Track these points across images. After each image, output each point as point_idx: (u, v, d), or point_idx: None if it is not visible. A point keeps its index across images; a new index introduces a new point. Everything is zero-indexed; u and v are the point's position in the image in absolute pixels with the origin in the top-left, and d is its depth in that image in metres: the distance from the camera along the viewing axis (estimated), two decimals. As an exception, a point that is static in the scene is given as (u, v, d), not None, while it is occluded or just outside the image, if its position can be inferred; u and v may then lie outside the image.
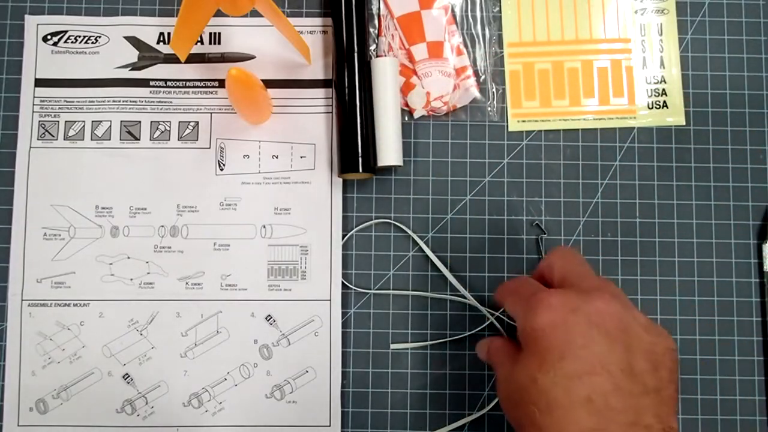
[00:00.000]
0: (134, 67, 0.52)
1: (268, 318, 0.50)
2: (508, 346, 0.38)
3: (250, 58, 0.53)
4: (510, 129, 0.52)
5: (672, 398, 0.32)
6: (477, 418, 0.49)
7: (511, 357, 0.36)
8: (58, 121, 0.52)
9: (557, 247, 0.41)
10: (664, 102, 0.53)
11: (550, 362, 0.32)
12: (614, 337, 0.32)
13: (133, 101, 0.52)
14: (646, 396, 0.31)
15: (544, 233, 0.51)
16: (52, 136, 0.51)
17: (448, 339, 0.50)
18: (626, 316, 0.33)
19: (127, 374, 0.49)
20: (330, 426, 0.49)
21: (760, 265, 0.51)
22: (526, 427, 0.33)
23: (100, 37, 0.53)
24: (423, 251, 0.51)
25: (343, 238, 0.51)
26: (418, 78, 0.52)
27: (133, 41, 0.53)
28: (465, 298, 0.50)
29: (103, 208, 0.51)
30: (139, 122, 0.52)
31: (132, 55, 0.52)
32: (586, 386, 0.30)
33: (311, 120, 0.52)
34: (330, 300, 0.50)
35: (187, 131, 0.52)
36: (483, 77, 0.53)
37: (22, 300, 0.50)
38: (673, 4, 0.54)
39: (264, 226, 0.51)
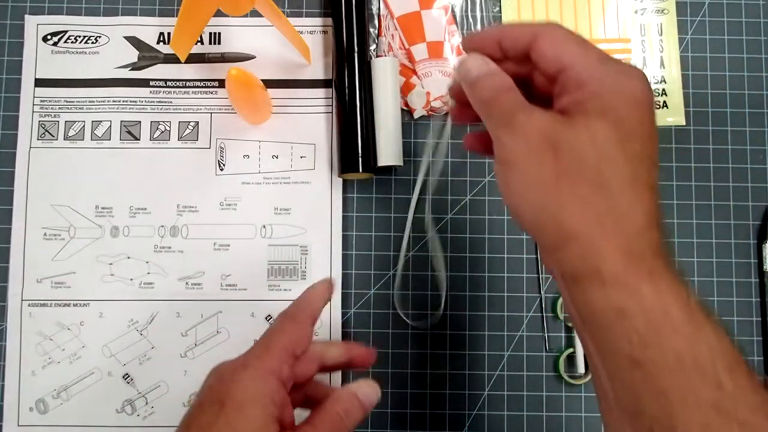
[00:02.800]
0: (134, 67, 0.52)
1: (268, 318, 0.50)
2: (527, 111, 0.30)
3: (250, 58, 0.53)
4: (510, 129, 0.52)
5: None
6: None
7: (555, 116, 0.30)
8: (58, 121, 0.52)
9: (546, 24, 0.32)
10: (664, 102, 0.53)
11: (644, 138, 0.29)
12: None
13: (133, 101, 0.52)
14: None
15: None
16: (52, 136, 0.51)
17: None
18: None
19: (127, 374, 0.49)
20: (330, 426, 0.49)
21: (760, 265, 0.51)
22: (587, 197, 0.28)
23: (100, 37, 0.53)
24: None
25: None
26: (418, 78, 0.52)
27: (133, 41, 0.53)
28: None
29: (103, 208, 0.51)
30: (139, 122, 0.52)
31: (132, 55, 0.52)
32: (654, 174, 0.29)
33: (311, 120, 0.52)
34: (330, 300, 0.50)
35: (187, 131, 0.52)
36: (483, 77, 0.53)
37: (22, 300, 0.50)
38: (673, 4, 0.54)
39: (264, 226, 0.51)
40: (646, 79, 0.30)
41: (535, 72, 0.32)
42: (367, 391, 0.36)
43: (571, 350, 0.49)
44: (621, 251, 0.28)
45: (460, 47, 0.36)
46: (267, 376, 0.34)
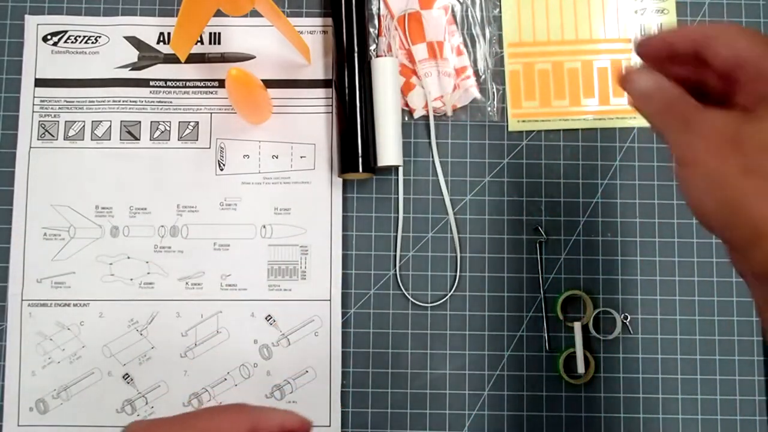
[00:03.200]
0: (134, 67, 0.52)
1: (268, 318, 0.50)
2: (708, 111, 0.30)
3: (250, 58, 0.53)
4: (510, 129, 0.52)
5: None
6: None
7: (740, 114, 0.29)
8: (58, 121, 0.52)
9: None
10: (664, 102, 0.53)
11: None
12: None
13: (133, 101, 0.52)
14: None
15: (544, 238, 0.51)
16: (52, 136, 0.51)
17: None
18: None
19: (127, 374, 0.49)
20: (330, 426, 0.49)
21: (760, 265, 0.51)
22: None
23: (100, 37, 0.53)
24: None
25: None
26: (418, 78, 0.52)
27: (133, 41, 0.53)
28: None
29: (103, 208, 0.51)
30: (139, 122, 0.52)
31: (132, 55, 0.52)
32: None
33: (311, 120, 0.52)
34: (330, 300, 0.50)
35: (187, 131, 0.52)
36: (483, 77, 0.53)
37: (22, 300, 0.50)
38: (673, 4, 0.54)
39: (264, 226, 0.51)
40: None
41: (708, 75, 0.31)
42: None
43: (571, 350, 0.49)
44: None
45: (633, 51, 0.35)
46: None
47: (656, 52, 0.32)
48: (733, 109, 0.30)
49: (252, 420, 0.37)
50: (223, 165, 0.51)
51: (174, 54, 0.51)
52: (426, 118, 0.52)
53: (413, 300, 0.50)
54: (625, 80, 0.32)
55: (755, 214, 0.28)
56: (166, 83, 0.52)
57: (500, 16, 0.54)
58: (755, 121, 0.28)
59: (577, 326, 0.49)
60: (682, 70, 0.32)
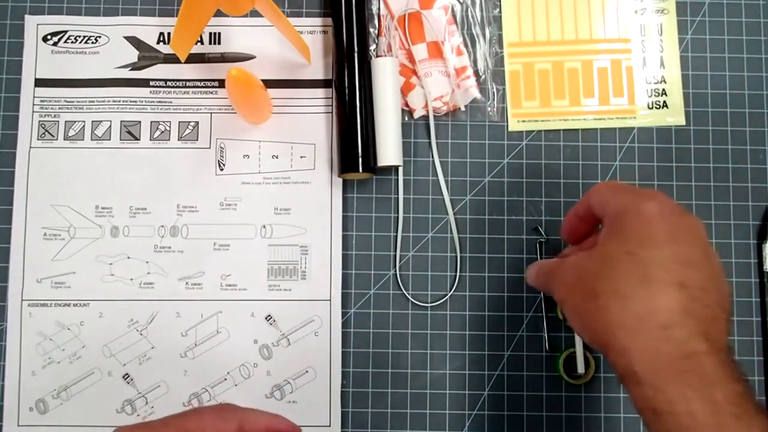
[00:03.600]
0: (134, 67, 0.52)
1: (268, 318, 0.50)
2: (563, 260, 0.38)
3: (250, 58, 0.53)
4: (510, 129, 0.52)
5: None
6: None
7: (581, 252, 0.37)
8: (58, 121, 0.52)
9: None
10: (664, 102, 0.53)
11: (656, 244, 0.33)
12: (705, 248, 0.34)
13: (133, 101, 0.52)
14: (716, 302, 0.33)
15: (544, 238, 0.51)
16: (52, 136, 0.51)
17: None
18: (705, 233, 0.35)
19: (127, 374, 0.49)
20: (330, 426, 0.49)
21: (760, 265, 0.51)
22: (605, 305, 0.33)
23: (100, 37, 0.53)
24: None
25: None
26: (418, 78, 0.52)
27: (133, 41, 0.53)
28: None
29: (103, 208, 0.51)
30: (139, 122, 0.52)
31: (132, 55, 0.52)
32: (682, 274, 0.32)
33: (311, 120, 0.52)
34: (330, 300, 0.50)
35: (187, 131, 0.52)
36: (483, 77, 0.53)
37: (22, 300, 0.50)
38: (673, 4, 0.54)
39: (264, 226, 0.51)
40: (663, 197, 0.35)
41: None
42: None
43: (571, 350, 0.49)
44: (648, 352, 0.31)
45: (560, 236, 0.46)
46: None
47: (570, 227, 0.41)
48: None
49: (238, 420, 0.37)
50: (223, 165, 0.51)
51: (174, 54, 0.51)
52: (426, 118, 0.52)
53: (413, 300, 0.50)
54: (525, 278, 0.44)
55: (596, 329, 0.34)
56: (166, 83, 0.52)
57: (500, 16, 0.54)
58: (591, 254, 0.35)
59: (577, 326, 0.49)
60: (591, 240, 0.40)
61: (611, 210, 0.36)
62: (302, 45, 0.51)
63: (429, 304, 0.50)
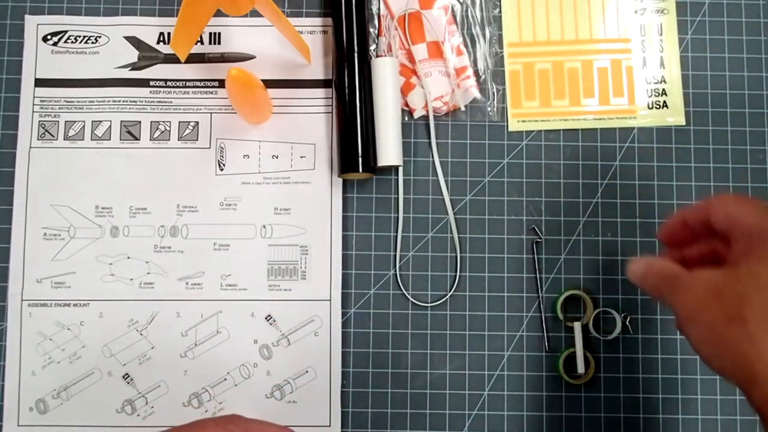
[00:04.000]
0: (134, 67, 0.52)
1: (268, 318, 0.50)
2: (695, 272, 0.35)
3: (250, 58, 0.53)
4: (510, 129, 0.52)
5: None
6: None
7: (717, 269, 0.34)
8: (58, 121, 0.52)
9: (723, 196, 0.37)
10: (664, 102, 0.53)
11: None
12: None
13: (133, 101, 0.52)
14: None
15: (540, 238, 0.51)
16: (52, 136, 0.51)
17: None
18: None
19: (127, 374, 0.49)
20: (330, 426, 0.49)
21: (760, 265, 0.51)
22: (756, 335, 0.30)
23: (100, 37, 0.53)
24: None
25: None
26: (418, 78, 0.52)
27: (133, 41, 0.53)
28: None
29: (103, 208, 0.51)
30: (139, 122, 0.52)
31: (132, 55, 0.52)
32: None
33: (311, 120, 0.52)
34: (330, 300, 0.50)
35: (187, 131, 0.52)
36: (483, 77, 0.53)
37: (22, 300, 0.50)
38: (673, 4, 0.54)
39: (264, 226, 0.51)
40: None
41: (717, 245, 0.36)
42: None
43: (571, 350, 0.49)
44: None
45: (657, 237, 0.42)
46: None
47: (673, 231, 0.38)
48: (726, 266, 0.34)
49: None
50: (223, 165, 0.51)
51: (174, 54, 0.51)
52: (426, 118, 0.52)
53: (413, 300, 0.50)
54: (627, 272, 0.39)
55: (742, 359, 0.30)
56: (166, 83, 0.52)
57: (500, 16, 0.54)
58: (733, 273, 0.32)
59: (577, 326, 0.49)
60: (696, 250, 0.38)
61: (750, 228, 0.33)
62: (302, 45, 0.51)
63: (429, 304, 0.50)
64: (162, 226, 0.51)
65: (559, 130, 0.52)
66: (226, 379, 0.49)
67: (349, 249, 0.51)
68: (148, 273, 0.50)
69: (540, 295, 0.50)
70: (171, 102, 0.52)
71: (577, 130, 0.52)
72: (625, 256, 0.51)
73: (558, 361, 0.49)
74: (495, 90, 0.53)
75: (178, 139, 0.52)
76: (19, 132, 0.51)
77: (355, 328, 0.50)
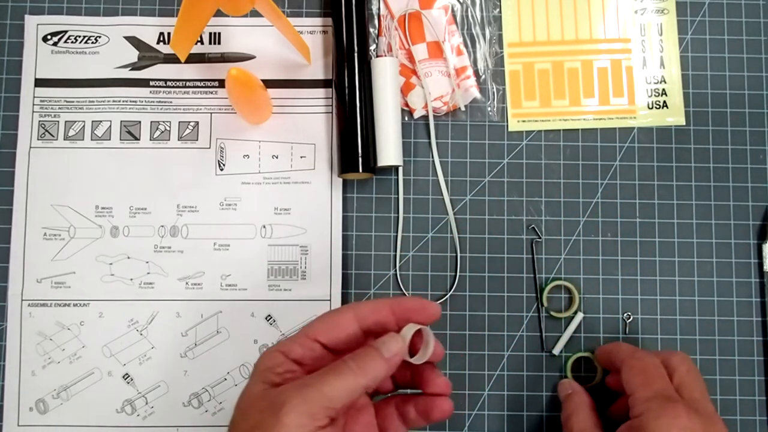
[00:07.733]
0: (134, 67, 0.52)
1: (268, 318, 0.50)
2: (593, 411, 0.44)
3: (250, 58, 0.53)
4: (510, 129, 0.52)
5: None
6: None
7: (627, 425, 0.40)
8: (58, 121, 0.52)
9: (678, 352, 0.43)
10: (664, 102, 0.53)
11: None
12: None
13: (133, 101, 0.52)
14: None
15: (540, 238, 0.51)
16: (52, 136, 0.51)
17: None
18: None
19: (127, 374, 0.49)
20: (330, 426, 0.49)
21: (760, 265, 0.51)
22: None
23: (100, 37, 0.53)
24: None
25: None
26: (418, 78, 0.52)
27: (133, 41, 0.53)
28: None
29: (103, 208, 0.51)
30: (139, 122, 0.52)
31: (132, 55, 0.52)
32: None
33: (311, 120, 0.52)
34: (330, 300, 0.50)
35: (187, 131, 0.52)
36: (483, 77, 0.53)
37: (22, 300, 0.50)
38: (673, 4, 0.54)
39: (264, 226, 0.51)
40: (690, 411, 0.37)
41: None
42: (390, 346, 0.36)
43: (579, 354, 0.49)
44: None
45: (594, 357, 0.49)
46: (273, 353, 0.35)
47: (601, 361, 0.48)
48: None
49: (392, 307, 0.38)
50: (223, 165, 0.51)
51: (174, 54, 0.51)
52: (426, 118, 0.52)
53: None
54: (558, 386, 0.48)
55: None
56: (166, 83, 0.52)
57: (500, 16, 0.54)
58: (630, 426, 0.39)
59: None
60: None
61: (640, 411, 0.38)
62: (302, 45, 0.51)
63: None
64: (162, 226, 0.51)
65: (559, 130, 0.52)
66: (226, 379, 0.49)
67: (349, 249, 0.51)
68: (148, 273, 0.50)
69: (538, 295, 0.50)
70: (171, 102, 0.52)
71: (577, 130, 0.52)
72: (625, 256, 0.51)
73: (566, 364, 0.49)
74: (495, 90, 0.53)
75: (178, 139, 0.52)
76: (19, 132, 0.51)
77: (355, 328, 0.50)
